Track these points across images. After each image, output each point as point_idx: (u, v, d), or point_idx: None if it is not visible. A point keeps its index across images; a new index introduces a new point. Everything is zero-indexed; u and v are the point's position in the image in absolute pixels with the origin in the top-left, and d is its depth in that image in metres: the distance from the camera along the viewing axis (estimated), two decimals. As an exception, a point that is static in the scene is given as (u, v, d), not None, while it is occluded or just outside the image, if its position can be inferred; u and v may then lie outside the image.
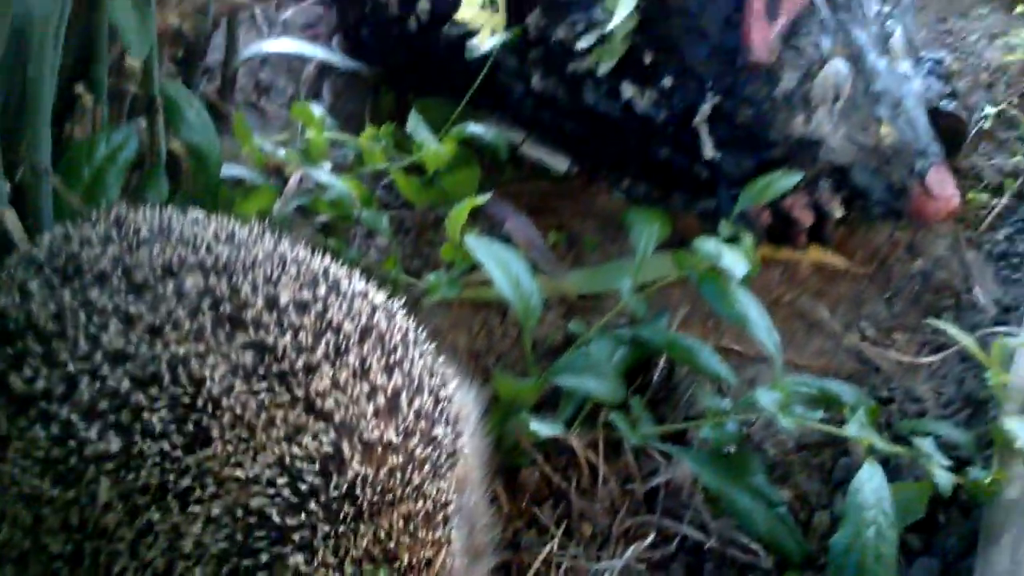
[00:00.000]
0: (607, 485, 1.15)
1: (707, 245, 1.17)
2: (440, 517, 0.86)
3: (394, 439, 0.84)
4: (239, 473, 0.79)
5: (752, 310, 1.17)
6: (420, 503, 0.84)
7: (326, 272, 0.96)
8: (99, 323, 0.85)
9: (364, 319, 0.91)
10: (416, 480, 0.84)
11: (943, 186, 1.34)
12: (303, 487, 0.79)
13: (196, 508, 0.78)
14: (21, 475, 0.82)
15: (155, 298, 0.86)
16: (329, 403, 0.83)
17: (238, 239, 0.96)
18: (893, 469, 1.16)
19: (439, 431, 0.89)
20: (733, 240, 1.28)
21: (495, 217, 1.47)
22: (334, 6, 1.78)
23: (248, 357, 0.83)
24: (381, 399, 0.85)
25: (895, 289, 1.42)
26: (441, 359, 0.97)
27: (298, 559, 0.78)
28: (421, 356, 0.93)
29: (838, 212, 1.36)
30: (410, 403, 0.88)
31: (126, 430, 0.80)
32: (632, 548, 1.09)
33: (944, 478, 1.04)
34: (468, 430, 0.96)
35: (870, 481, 1.01)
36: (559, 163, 1.53)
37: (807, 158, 1.33)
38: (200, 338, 0.84)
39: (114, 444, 0.80)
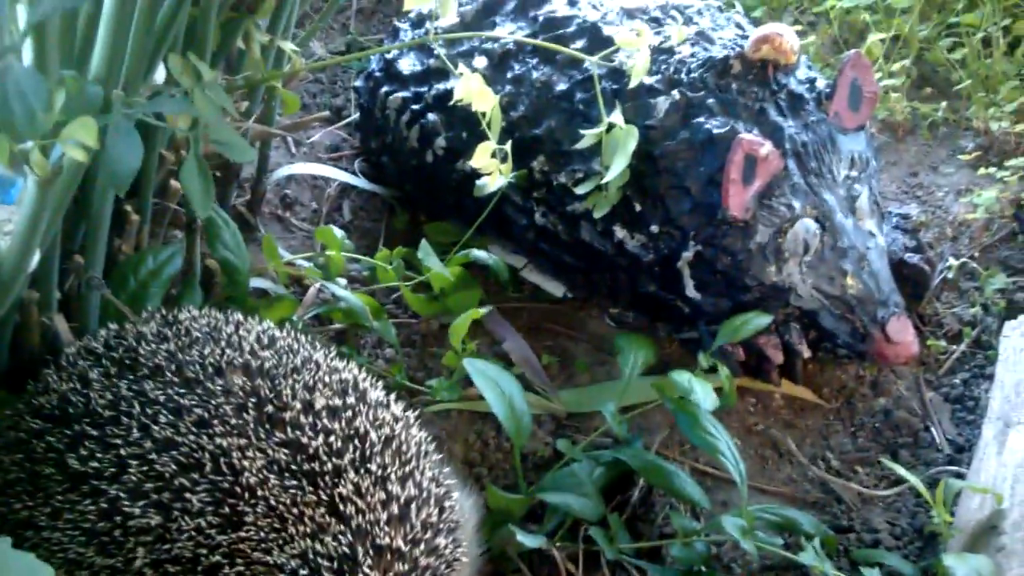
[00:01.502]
0: (585, 597, 1.25)
1: (681, 378, 1.30)
2: None
3: (402, 547, 0.95)
4: (268, 558, 0.91)
5: (721, 441, 1.29)
6: None
7: (355, 382, 1.08)
8: (151, 413, 0.97)
9: (387, 429, 1.03)
10: None
11: (902, 334, 1.47)
12: None
13: None
14: (68, 542, 0.93)
15: (204, 393, 0.99)
16: (350, 508, 0.94)
17: (279, 345, 1.09)
18: (848, 596, 1.27)
19: (441, 541, 0.99)
20: (712, 371, 1.40)
21: (495, 334, 1.60)
22: (358, 133, 1.96)
23: (283, 454, 0.95)
24: (394, 508, 0.96)
25: (859, 424, 1.54)
26: (446, 469, 1.08)
27: None
28: (430, 467, 1.05)
29: (806, 353, 1.49)
30: (418, 513, 0.98)
31: (166, 508, 0.91)
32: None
33: (889, 612, 1.15)
34: (465, 539, 1.07)
35: (821, 609, 1.12)
36: (556, 289, 1.67)
37: (778, 302, 1.47)
38: (242, 433, 0.96)
39: (155, 519, 0.91)
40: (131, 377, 1.01)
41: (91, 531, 0.93)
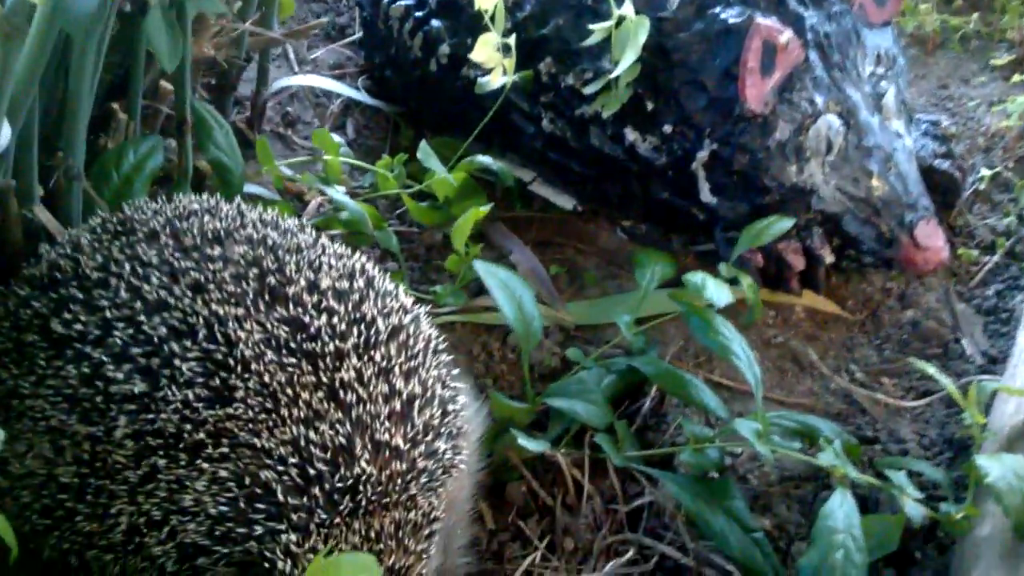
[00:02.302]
0: (591, 503, 1.19)
1: (694, 277, 1.22)
2: (426, 530, 0.89)
3: (401, 445, 0.88)
4: (255, 441, 0.84)
5: (735, 342, 1.21)
6: (412, 512, 0.88)
7: (363, 268, 1.01)
8: (143, 274, 0.91)
9: (395, 319, 0.96)
10: (413, 489, 0.88)
11: (932, 239, 1.39)
12: (311, 472, 0.83)
13: (204, 465, 0.83)
14: (51, 410, 0.87)
15: (202, 258, 0.92)
16: (351, 396, 0.87)
17: (283, 227, 1.02)
18: (873, 506, 1.20)
19: (440, 445, 0.92)
20: (733, 283, 1.33)
21: (501, 248, 1.53)
22: (362, 48, 1.89)
23: (283, 331, 0.88)
24: (397, 403, 0.90)
25: (885, 336, 1.46)
26: (454, 371, 1.01)
27: (291, 539, 0.82)
28: (437, 366, 0.98)
29: (829, 258, 1.41)
30: (420, 412, 0.91)
31: (153, 376, 0.85)
32: (612, 564, 1.13)
33: (915, 509, 1.08)
34: (467, 447, 1.00)
35: (841, 507, 1.05)
36: (565, 202, 1.60)
37: (799, 206, 1.38)
38: (241, 303, 0.89)
39: (139, 387, 0.85)
40: (124, 240, 0.95)
41: (73, 397, 0.87)
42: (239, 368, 0.85)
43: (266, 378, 0.86)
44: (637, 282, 1.37)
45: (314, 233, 1.05)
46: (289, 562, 0.81)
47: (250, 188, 1.40)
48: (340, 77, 1.87)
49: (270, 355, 0.86)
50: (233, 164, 1.30)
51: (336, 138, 1.46)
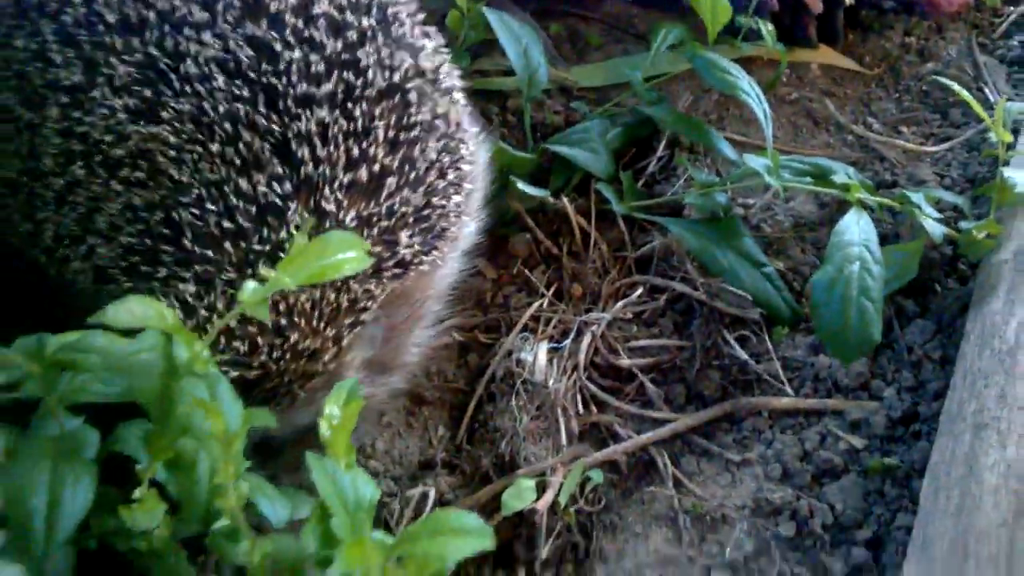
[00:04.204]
0: (598, 249, 1.16)
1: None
2: (348, 318, 0.79)
3: (347, 222, 0.77)
4: (174, 172, 0.75)
5: (743, 80, 1.15)
6: (336, 295, 0.77)
7: (383, 6, 0.85)
8: None
9: (397, 76, 0.82)
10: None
11: (956, -24, 1.30)
12: (229, 225, 0.74)
13: (119, 187, 0.76)
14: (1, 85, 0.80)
15: None
16: (304, 151, 0.76)
17: None
18: (893, 240, 1.15)
19: (404, 236, 0.81)
20: (750, 37, 1.25)
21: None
22: None
23: (245, 54, 0.77)
24: (363, 173, 0.78)
25: (904, 88, 1.40)
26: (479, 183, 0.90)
27: (189, 290, 0.74)
28: (444, 151, 0.84)
29: (848, -1, 1.32)
30: (392, 193, 0.80)
31: (92, 70, 0.78)
32: (621, 302, 1.10)
33: (935, 226, 1.03)
34: (447, 251, 0.88)
35: (855, 224, 1.01)
36: (565, -34, 1.50)
37: (816, -60, 1.30)
38: (206, 6, 0.78)
39: (76, 76, 0.78)
40: None
41: (17, 75, 0.80)
42: (178, 85, 0.76)
43: (206, 104, 0.75)
44: (650, 42, 1.29)
45: None
46: (182, 313, 0.73)
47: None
48: None
49: (220, 80, 0.76)
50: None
51: None
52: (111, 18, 0.79)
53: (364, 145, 0.79)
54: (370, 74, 0.81)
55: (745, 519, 0.93)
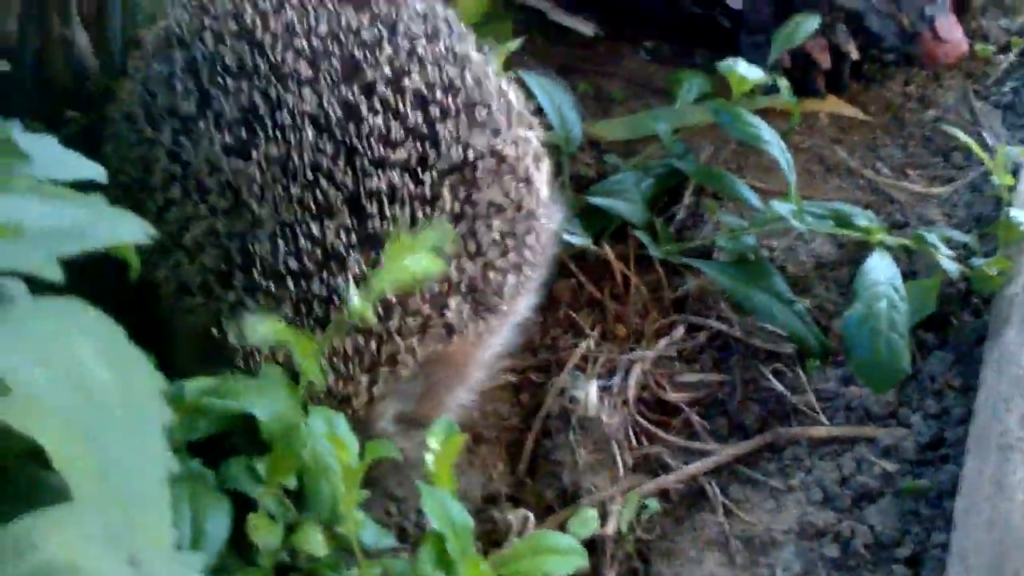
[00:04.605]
0: (639, 292, 1.24)
1: (725, 62, 1.24)
2: (385, 370, 0.84)
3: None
4: (255, 207, 0.84)
5: (764, 130, 1.24)
6: (377, 345, 0.83)
7: (472, 90, 0.92)
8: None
9: (471, 154, 0.89)
10: (393, 323, 0.83)
11: (951, 31, 1.41)
12: (294, 265, 0.82)
13: (206, 212, 0.86)
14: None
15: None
16: (372, 207, 0.84)
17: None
18: (910, 277, 1.23)
19: (452, 303, 0.87)
20: (773, 90, 1.35)
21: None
22: None
23: (336, 112, 0.85)
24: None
25: (908, 135, 1.50)
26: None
27: (252, 319, 0.78)
28: (505, 232, 0.91)
29: (854, 54, 1.43)
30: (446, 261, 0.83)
31: (204, 101, 0.87)
32: (664, 340, 1.18)
33: (950, 264, 1.12)
34: (496, 322, 0.94)
35: (880, 264, 1.10)
36: (585, 27, 1.60)
37: (823, 3, 1.40)
38: (313, 66, 0.87)
39: (190, 105, 0.88)
40: None
41: (149, 93, 0.91)
42: (272, 130, 0.84)
43: (293, 152, 0.84)
44: (676, 95, 1.39)
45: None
46: (236, 338, 0.80)
47: None
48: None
49: (309, 132, 0.84)
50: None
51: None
52: (228, 60, 0.89)
53: (428, 211, 0.86)
54: (443, 147, 0.88)
55: (792, 542, 1.00)
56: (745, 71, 1.20)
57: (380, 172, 0.85)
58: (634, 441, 1.09)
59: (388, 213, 0.84)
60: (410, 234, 0.71)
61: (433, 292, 0.86)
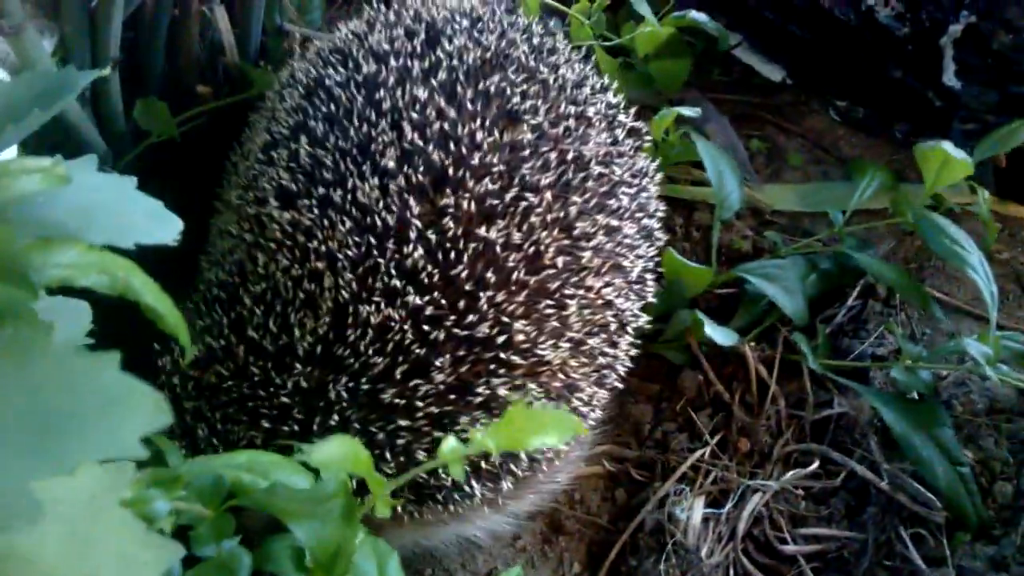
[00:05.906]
0: (774, 404, 1.08)
1: (927, 144, 1.06)
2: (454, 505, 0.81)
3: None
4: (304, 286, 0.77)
5: (972, 255, 1.05)
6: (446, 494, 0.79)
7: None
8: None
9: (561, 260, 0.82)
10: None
11: None
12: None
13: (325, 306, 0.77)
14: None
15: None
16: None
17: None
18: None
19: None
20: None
21: (695, 117, 1.38)
22: None
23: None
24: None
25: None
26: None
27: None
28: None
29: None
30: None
31: (332, 195, 0.78)
32: (792, 473, 1.02)
33: None
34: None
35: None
36: (773, 72, 1.42)
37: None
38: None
39: (268, 151, 0.83)
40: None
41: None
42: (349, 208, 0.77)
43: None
44: (855, 185, 1.21)
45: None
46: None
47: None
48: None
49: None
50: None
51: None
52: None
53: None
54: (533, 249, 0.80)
55: None
56: (954, 157, 1.01)
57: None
58: (734, 587, 0.94)
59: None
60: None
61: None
